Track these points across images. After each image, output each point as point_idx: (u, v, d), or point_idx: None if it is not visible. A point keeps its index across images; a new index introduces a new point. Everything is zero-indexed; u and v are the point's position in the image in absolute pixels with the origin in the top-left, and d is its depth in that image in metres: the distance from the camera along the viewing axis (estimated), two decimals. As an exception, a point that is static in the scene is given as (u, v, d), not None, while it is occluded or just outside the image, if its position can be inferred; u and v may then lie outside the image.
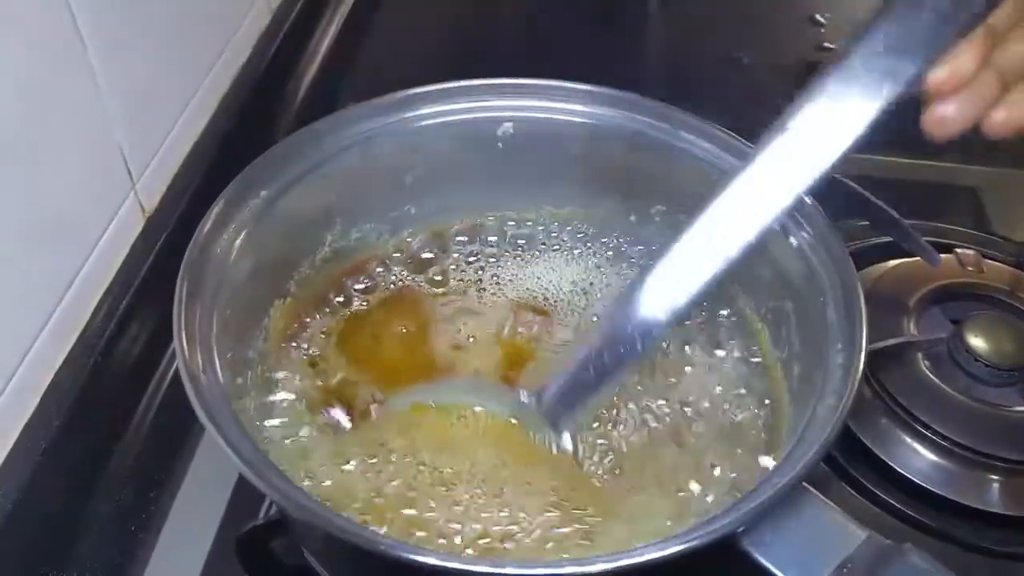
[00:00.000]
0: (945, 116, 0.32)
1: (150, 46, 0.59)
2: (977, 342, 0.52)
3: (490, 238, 0.55)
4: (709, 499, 0.42)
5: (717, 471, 0.43)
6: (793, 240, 0.41)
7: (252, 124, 0.70)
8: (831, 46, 0.85)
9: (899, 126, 0.32)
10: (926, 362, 0.53)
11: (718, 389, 0.47)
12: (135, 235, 0.58)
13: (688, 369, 0.48)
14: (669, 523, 0.41)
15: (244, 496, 0.52)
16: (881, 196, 0.55)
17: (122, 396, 0.56)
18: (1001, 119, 0.33)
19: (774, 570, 0.33)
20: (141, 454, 0.54)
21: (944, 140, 0.33)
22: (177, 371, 0.57)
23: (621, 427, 0.45)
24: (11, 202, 0.46)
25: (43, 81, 0.48)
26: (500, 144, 0.49)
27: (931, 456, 0.50)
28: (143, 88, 0.58)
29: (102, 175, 0.55)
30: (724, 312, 0.49)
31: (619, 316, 0.38)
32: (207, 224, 0.40)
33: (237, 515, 0.51)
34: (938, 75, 0.32)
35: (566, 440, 0.42)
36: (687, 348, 0.49)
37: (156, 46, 0.59)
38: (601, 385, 0.40)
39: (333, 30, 0.86)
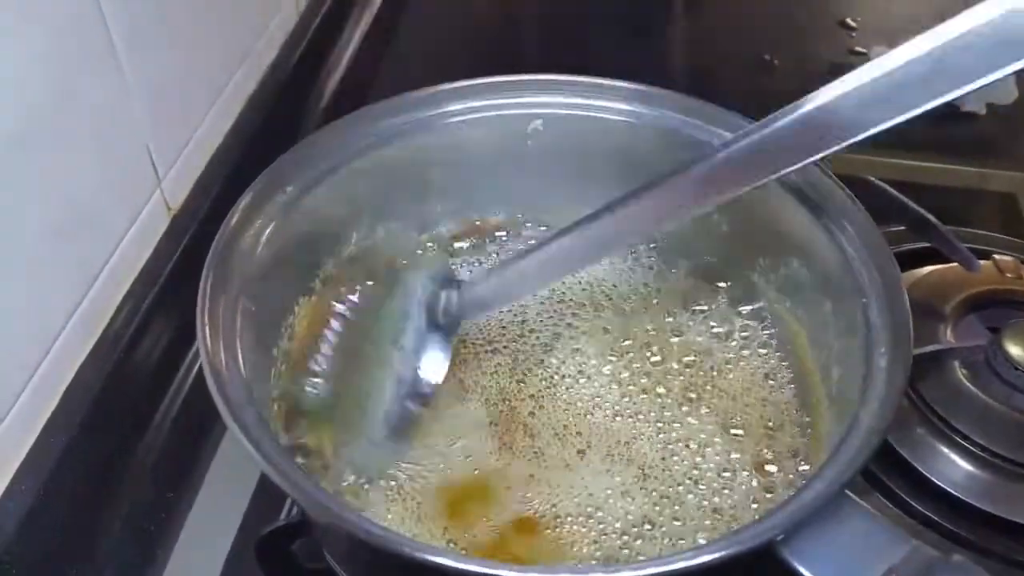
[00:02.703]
0: None
1: (178, 44, 0.59)
2: (1016, 350, 0.51)
3: (523, 233, 0.54)
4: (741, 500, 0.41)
5: (750, 477, 0.42)
6: (833, 238, 0.40)
7: (278, 124, 0.70)
8: (862, 50, 0.84)
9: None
10: (963, 370, 0.52)
11: (754, 393, 0.46)
12: (160, 233, 0.58)
13: (725, 371, 0.47)
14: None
15: (265, 497, 0.51)
16: (918, 201, 0.54)
17: (144, 394, 0.56)
18: None
19: (814, 580, 0.31)
20: (162, 453, 0.54)
21: None
22: (200, 371, 0.57)
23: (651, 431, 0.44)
24: (37, 196, 0.46)
25: (71, 76, 0.48)
26: (530, 141, 0.48)
27: (969, 467, 0.49)
28: (170, 86, 0.58)
29: (128, 172, 0.55)
30: (760, 312, 0.48)
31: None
32: (234, 217, 0.39)
33: (258, 517, 0.51)
34: None
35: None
36: (721, 350, 0.48)
37: (184, 44, 0.59)
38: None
39: (360, 31, 0.86)
